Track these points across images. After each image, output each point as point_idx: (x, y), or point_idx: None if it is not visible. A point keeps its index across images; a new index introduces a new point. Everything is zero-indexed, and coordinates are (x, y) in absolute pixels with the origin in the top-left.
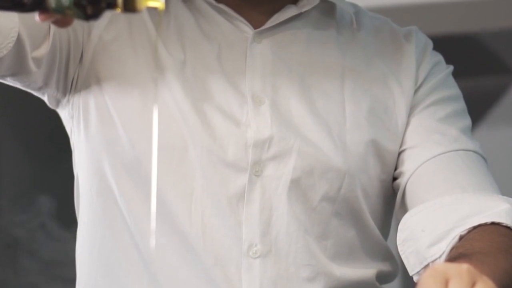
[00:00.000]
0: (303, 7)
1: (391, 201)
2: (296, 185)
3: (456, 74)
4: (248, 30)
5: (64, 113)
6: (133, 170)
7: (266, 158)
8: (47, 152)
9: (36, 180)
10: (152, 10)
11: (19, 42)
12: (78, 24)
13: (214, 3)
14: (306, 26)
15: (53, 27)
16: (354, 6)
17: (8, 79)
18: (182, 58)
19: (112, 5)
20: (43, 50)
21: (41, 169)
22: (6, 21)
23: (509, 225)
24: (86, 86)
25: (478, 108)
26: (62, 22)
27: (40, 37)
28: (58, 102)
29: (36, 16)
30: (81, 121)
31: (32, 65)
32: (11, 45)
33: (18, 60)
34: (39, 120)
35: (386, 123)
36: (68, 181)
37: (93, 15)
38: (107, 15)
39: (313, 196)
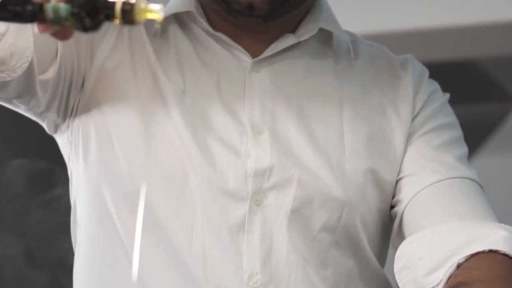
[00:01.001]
0: (301, 36)
1: (388, 229)
2: (296, 215)
3: (455, 101)
4: (246, 59)
5: (62, 139)
6: (132, 199)
7: (266, 188)
8: (44, 178)
9: (33, 208)
10: (154, 39)
11: (29, 64)
12: (81, 50)
13: (212, 31)
14: (304, 56)
15: (60, 51)
16: (351, 34)
17: (14, 101)
18: (181, 86)
19: (110, 17)
20: (50, 74)
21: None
22: (22, 41)
23: (507, 253)
24: (87, 112)
25: (477, 135)
26: (62, 34)
27: (48, 61)
28: (57, 128)
29: (35, 28)
30: (80, 147)
31: (38, 88)
32: (26, 65)
33: (26, 82)
34: (36, 145)
35: (384, 152)
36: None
37: (92, 27)
38: (111, 42)
39: (313, 225)
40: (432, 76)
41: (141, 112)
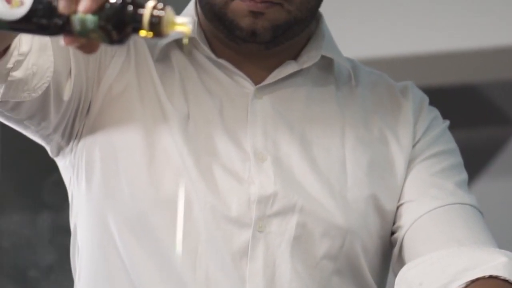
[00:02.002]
0: (304, 63)
1: (388, 255)
2: (299, 242)
3: (455, 126)
4: (248, 85)
5: (64, 162)
6: (136, 224)
7: (270, 214)
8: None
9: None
10: (158, 64)
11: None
12: (90, 74)
13: (214, 58)
14: (306, 83)
15: (73, 73)
16: (350, 60)
17: (25, 122)
18: (186, 112)
19: (138, 30)
20: (65, 96)
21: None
22: (43, 61)
23: (507, 279)
24: (92, 136)
25: (478, 159)
26: (88, 47)
27: (63, 82)
28: (59, 150)
29: (61, 41)
30: (83, 171)
31: (52, 109)
32: (46, 85)
33: (42, 102)
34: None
35: (386, 180)
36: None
37: (119, 40)
38: (118, 66)
39: (315, 253)
40: (432, 100)
41: (146, 137)
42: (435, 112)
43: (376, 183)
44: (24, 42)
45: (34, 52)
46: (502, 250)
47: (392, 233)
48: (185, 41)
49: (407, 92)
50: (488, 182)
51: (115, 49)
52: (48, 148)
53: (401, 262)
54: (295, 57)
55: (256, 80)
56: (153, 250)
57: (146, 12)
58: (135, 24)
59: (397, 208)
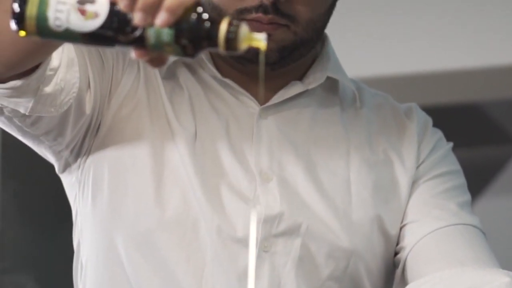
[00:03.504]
0: (309, 84)
1: (391, 276)
2: (304, 263)
3: (457, 144)
4: (253, 105)
5: (70, 178)
6: (141, 242)
7: (275, 234)
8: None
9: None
10: (166, 81)
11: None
12: (103, 92)
13: (220, 77)
14: (311, 104)
15: (92, 89)
16: (354, 82)
17: (41, 137)
18: (193, 131)
19: (213, 45)
20: (87, 110)
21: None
22: (70, 76)
23: None
24: (102, 153)
25: (480, 178)
26: (158, 60)
27: (84, 98)
28: (66, 167)
29: (132, 53)
30: (90, 187)
31: (70, 125)
32: (71, 101)
33: (63, 118)
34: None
35: (390, 203)
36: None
37: (193, 54)
38: (128, 84)
39: (320, 274)
40: (434, 119)
41: (155, 156)
42: (439, 134)
43: (381, 205)
44: (55, 57)
45: (62, 68)
46: (505, 271)
47: (395, 253)
48: (261, 57)
49: (412, 113)
50: (490, 201)
51: (127, 66)
52: (56, 165)
53: (404, 283)
54: (300, 77)
55: (262, 101)
56: (159, 268)
57: (223, 28)
58: (211, 39)
59: (400, 228)
